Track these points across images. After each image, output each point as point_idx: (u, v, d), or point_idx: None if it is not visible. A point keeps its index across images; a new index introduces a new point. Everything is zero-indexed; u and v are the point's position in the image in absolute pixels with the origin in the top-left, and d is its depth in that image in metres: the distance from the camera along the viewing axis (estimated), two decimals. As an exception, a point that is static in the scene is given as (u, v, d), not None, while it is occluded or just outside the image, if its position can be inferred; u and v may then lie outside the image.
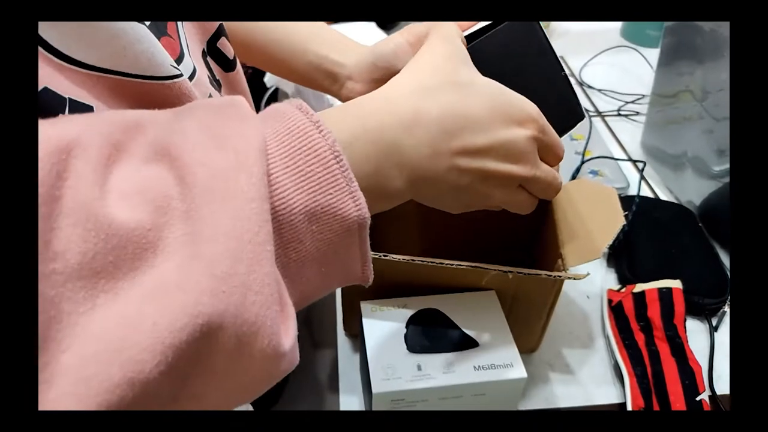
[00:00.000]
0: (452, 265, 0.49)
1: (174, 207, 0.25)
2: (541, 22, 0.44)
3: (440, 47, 0.37)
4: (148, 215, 0.24)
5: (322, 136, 0.29)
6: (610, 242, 0.50)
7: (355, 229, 0.31)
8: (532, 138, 0.37)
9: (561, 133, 0.42)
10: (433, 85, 0.35)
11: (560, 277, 0.50)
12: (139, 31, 0.31)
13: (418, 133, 0.34)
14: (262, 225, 0.26)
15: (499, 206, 0.40)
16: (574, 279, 0.49)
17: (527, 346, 0.60)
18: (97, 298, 0.23)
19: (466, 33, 0.44)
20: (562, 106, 0.43)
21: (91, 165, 0.24)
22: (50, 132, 0.24)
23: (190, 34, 0.41)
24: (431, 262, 0.49)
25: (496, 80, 0.38)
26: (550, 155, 0.40)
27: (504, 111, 0.36)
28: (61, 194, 0.23)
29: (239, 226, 0.25)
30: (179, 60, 0.37)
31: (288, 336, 0.27)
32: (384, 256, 0.49)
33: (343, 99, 0.51)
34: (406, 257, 0.49)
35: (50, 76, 0.28)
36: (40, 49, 0.28)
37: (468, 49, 0.39)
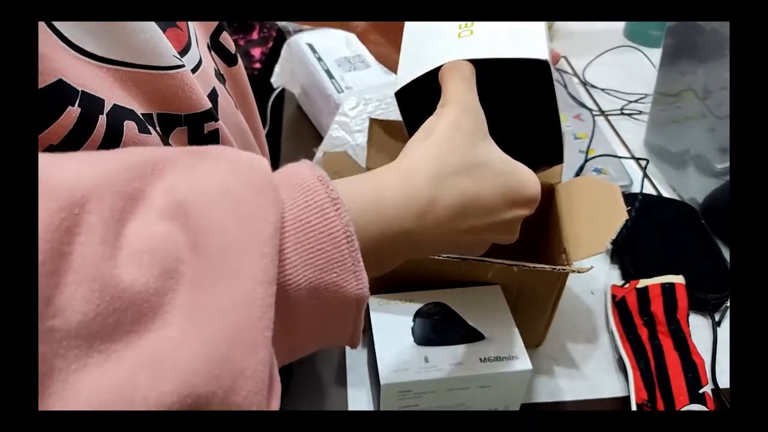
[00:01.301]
0: (458, 258, 0.50)
1: (181, 272, 0.25)
2: (544, 26, 0.45)
3: (462, 119, 0.36)
4: (153, 278, 0.24)
5: (338, 215, 0.29)
6: (613, 237, 0.51)
7: (353, 305, 0.31)
8: (524, 216, 0.39)
9: (535, 170, 0.42)
10: (450, 171, 0.35)
11: (564, 270, 0.51)
12: (142, 21, 0.32)
13: (429, 221, 0.34)
14: (265, 310, 0.26)
15: None
16: (578, 272, 0.50)
17: (532, 341, 0.61)
18: (90, 358, 0.23)
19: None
20: (549, 149, 0.44)
21: (104, 221, 0.24)
22: (63, 181, 0.23)
23: (196, 26, 0.42)
24: (437, 256, 0.50)
25: (494, 107, 0.38)
26: (528, 213, 0.41)
27: (513, 197, 0.37)
28: (70, 250, 0.22)
29: (242, 311, 0.25)
30: (185, 50, 0.37)
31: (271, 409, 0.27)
32: None
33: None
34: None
35: (66, 69, 0.28)
36: (56, 39, 0.29)
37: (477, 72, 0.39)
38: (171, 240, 0.25)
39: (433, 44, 0.43)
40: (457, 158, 0.35)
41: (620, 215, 0.53)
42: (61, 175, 0.23)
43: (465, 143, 0.36)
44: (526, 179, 0.38)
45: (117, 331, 0.23)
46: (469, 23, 0.43)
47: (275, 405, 0.27)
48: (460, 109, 0.37)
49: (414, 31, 0.47)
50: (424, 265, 0.52)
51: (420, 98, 0.41)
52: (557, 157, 0.45)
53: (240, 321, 0.25)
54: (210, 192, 0.27)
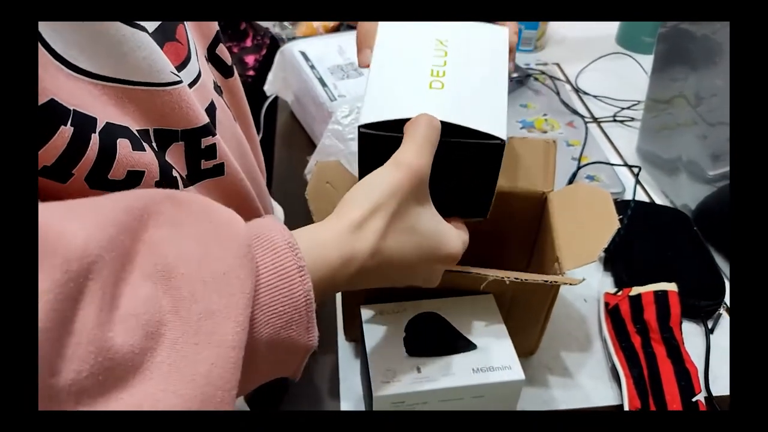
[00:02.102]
0: (452, 271, 0.50)
1: (162, 334, 0.27)
2: (524, 35, 0.46)
3: (405, 185, 0.39)
4: (138, 340, 0.26)
5: (301, 282, 0.33)
6: (606, 245, 0.51)
7: (302, 353, 0.35)
8: (446, 268, 0.45)
9: (463, 217, 0.48)
10: (384, 233, 0.38)
11: (556, 282, 0.51)
12: (139, 38, 0.31)
13: (362, 274, 0.38)
14: (234, 372, 0.29)
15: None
16: (570, 284, 0.50)
17: (526, 349, 0.61)
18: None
19: None
20: (477, 203, 0.48)
21: (102, 287, 0.25)
22: (71, 249, 0.24)
23: (195, 38, 0.42)
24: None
25: (441, 174, 0.42)
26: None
27: (431, 256, 0.42)
28: (74, 317, 0.24)
29: (216, 372, 0.28)
30: (184, 64, 0.38)
31: None
32: None
33: None
34: None
35: (58, 87, 0.28)
36: (50, 58, 0.28)
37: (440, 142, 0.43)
38: (155, 303, 0.27)
39: (404, 87, 0.46)
40: (392, 223, 0.39)
41: (612, 224, 0.53)
42: (67, 238, 0.25)
43: (400, 208, 0.39)
44: (446, 241, 0.42)
45: (104, 387, 0.25)
46: (441, 71, 0.46)
47: None
48: (407, 174, 0.39)
49: (385, 56, 0.48)
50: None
51: (379, 135, 0.43)
52: (482, 214, 0.49)
53: (213, 383, 0.28)
54: (192, 258, 0.29)
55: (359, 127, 0.43)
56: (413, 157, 0.39)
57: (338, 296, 0.67)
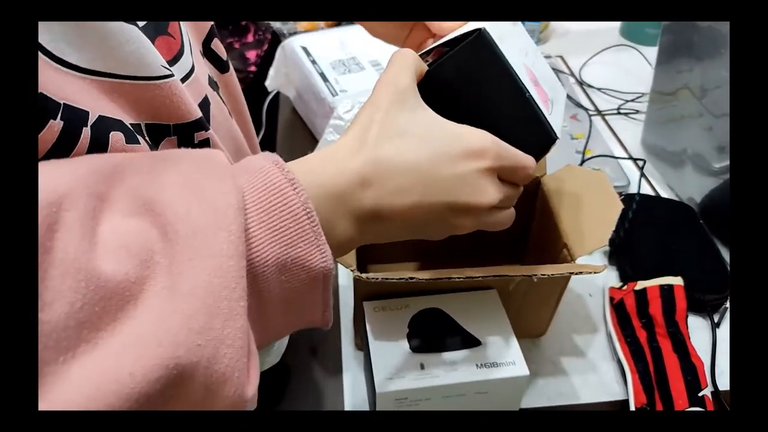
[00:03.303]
0: (476, 277, 0.50)
1: (157, 261, 0.26)
2: (526, 27, 0.44)
3: (383, 94, 0.37)
4: (132, 268, 0.25)
5: (296, 194, 0.31)
6: (613, 228, 0.51)
7: (320, 279, 0.33)
8: (485, 169, 0.37)
9: (537, 157, 0.40)
10: (372, 142, 0.36)
11: (581, 273, 0.50)
12: (128, 32, 0.31)
13: (369, 194, 0.35)
14: (239, 281, 0.28)
15: (478, 228, 0.40)
16: (594, 273, 0.50)
17: (536, 331, 0.61)
18: (78, 348, 0.24)
19: (435, 44, 0.43)
20: (531, 128, 0.41)
21: (80, 218, 0.25)
22: (41, 184, 0.25)
23: (189, 33, 0.41)
24: (448, 278, 0.49)
25: (458, 108, 0.38)
26: (516, 177, 0.40)
27: (444, 152, 0.36)
28: (52, 246, 0.24)
29: (217, 282, 0.27)
30: (177, 58, 0.37)
31: (251, 384, 0.29)
32: (386, 279, 0.48)
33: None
34: (415, 276, 0.49)
35: (47, 82, 0.28)
36: (39, 54, 0.28)
37: (427, 73, 0.40)
38: (143, 233, 0.27)
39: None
40: (376, 132, 0.36)
41: (615, 205, 0.53)
42: (38, 178, 0.25)
43: (386, 118, 0.36)
44: (460, 137, 0.37)
45: (103, 319, 0.24)
46: None
47: (254, 374, 0.29)
48: (379, 88, 0.37)
49: None
50: (427, 285, 0.52)
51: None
52: (549, 135, 0.41)
53: (216, 293, 0.27)
54: (172, 186, 0.29)
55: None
56: (385, 74, 0.38)
57: (340, 296, 0.66)
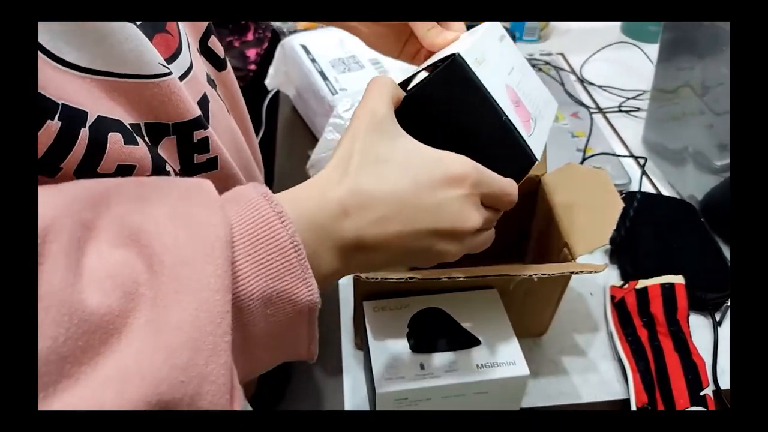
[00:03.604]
0: (477, 276, 0.50)
1: (142, 293, 0.26)
2: (526, 26, 0.43)
3: (361, 124, 0.37)
4: (116, 301, 0.25)
5: (284, 227, 0.31)
6: (614, 226, 0.51)
7: (306, 313, 0.32)
8: (466, 195, 0.37)
9: (517, 179, 0.41)
10: (353, 172, 0.35)
11: (581, 272, 0.50)
12: (127, 30, 0.31)
13: (351, 224, 0.35)
14: (224, 316, 0.27)
15: (463, 253, 0.40)
16: (595, 272, 0.49)
17: (537, 330, 0.61)
18: (59, 384, 0.23)
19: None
20: (509, 151, 0.41)
21: (65, 249, 0.25)
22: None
23: (187, 30, 0.41)
24: (448, 277, 0.49)
25: (437, 133, 0.38)
26: (499, 203, 0.40)
27: (425, 179, 0.36)
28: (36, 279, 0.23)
29: (202, 317, 0.26)
30: (175, 56, 0.37)
31: None
32: (385, 278, 0.48)
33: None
34: (415, 275, 0.49)
35: (46, 81, 0.28)
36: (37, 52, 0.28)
37: (405, 99, 0.40)
38: (128, 265, 0.26)
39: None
40: (358, 161, 0.36)
41: (616, 203, 0.53)
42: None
43: (365, 147, 0.36)
44: (441, 162, 0.37)
45: (86, 354, 0.24)
46: None
47: (238, 408, 0.29)
48: (357, 118, 0.37)
49: None
50: (429, 284, 0.52)
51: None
52: (527, 157, 0.42)
53: (201, 328, 0.26)
54: (159, 217, 0.28)
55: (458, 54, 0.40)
56: (360, 104, 0.38)
57: (340, 295, 0.66)
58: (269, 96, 0.97)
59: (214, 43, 0.45)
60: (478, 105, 0.40)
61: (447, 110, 0.40)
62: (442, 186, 0.36)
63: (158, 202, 0.29)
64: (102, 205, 0.28)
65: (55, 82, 0.29)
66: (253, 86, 1.12)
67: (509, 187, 0.40)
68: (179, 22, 0.38)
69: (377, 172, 0.36)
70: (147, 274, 0.26)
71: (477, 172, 0.37)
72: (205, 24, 0.44)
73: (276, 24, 1.12)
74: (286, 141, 0.90)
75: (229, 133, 0.43)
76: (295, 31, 1.04)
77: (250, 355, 0.32)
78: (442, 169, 0.36)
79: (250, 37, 1.22)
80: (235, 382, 0.29)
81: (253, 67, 1.20)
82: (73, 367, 0.24)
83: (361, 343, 0.60)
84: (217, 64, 0.45)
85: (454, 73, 0.39)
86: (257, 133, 1.02)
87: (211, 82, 0.43)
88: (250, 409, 0.48)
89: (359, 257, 0.36)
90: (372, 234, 0.35)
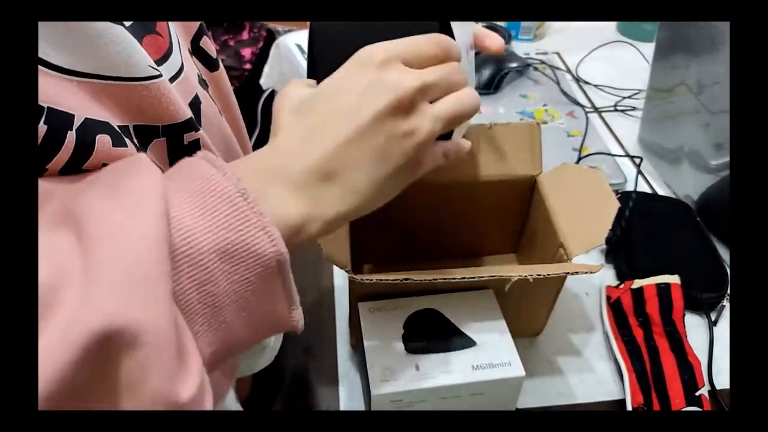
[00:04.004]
0: (472, 278, 0.49)
1: (73, 262, 0.25)
2: (534, 24, 0.43)
3: (282, 111, 0.37)
4: (48, 277, 0.24)
5: (225, 178, 0.29)
6: (610, 226, 0.51)
7: (274, 266, 0.30)
8: (383, 64, 0.34)
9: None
10: (281, 126, 0.35)
11: (577, 273, 0.50)
12: (114, 32, 0.31)
13: (300, 155, 0.33)
14: (159, 263, 0.26)
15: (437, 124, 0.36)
16: (591, 273, 0.49)
17: (533, 330, 0.61)
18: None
19: None
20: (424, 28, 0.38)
21: None
22: None
23: (178, 31, 0.41)
24: (444, 278, 0.49)
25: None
26: (428, 55, 0.36)
27: (343, 80, 0.34)
28: None
29: (133, 270, 0.25)
30: (165, 57, 0.37)
31: (186, 386, 0.26)
32: (381, 279, 0.48)
33: None
34: (411, 276, 0.48)
35: None
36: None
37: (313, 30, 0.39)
38: (63, 241, 0.25)
39: None
40: (280, 124, 0.36)
41: (611, 204, 0.53)
42: None
43: (284, 116, 0.36)
44: (347, 62, 0.35)
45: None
46: None
47: (191, 381, 0.26)
48: (279, 109, 0.37)
49: None
50: (423, 285, 0.51)
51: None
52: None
53: (131, 276, 0.25)
54: (95, 192, 0.27)
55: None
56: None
57: (335, 296, 0.66)
58: (264, 95, 0.97)
59: (206, 43, 0.44)
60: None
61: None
62: (359, 72, 0.34)
63: (96, 182, 0.29)
64: (45, 200, 0.27)
65: (40, 85, 0.28)
66: (248, 86, 1.11)
67: (425, 36, 0.36)
68: (170, 24, 0.38)
69: (300, 110, 0.35)
70: (78, 243, 0.25)
71: (387, 44, 0.35)
72: (196, 24, 0.43)
73: (271, 23, 1.12)
74: (281, 140, 0.90)
75: (221, 133, 0.43)
76: (290, 30, 1.03)
77: (218, 322, 0.29)
78: (353, 60, 0.35)
79: (245, 36, 1.21)
80: (185, 343, 0.27)
81: (248, 66, 1.20)
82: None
83: (357, 345, 0.60)
84: (210, 64, 0.45)
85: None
86: (253, 133, 1.02)
87: (203, 83, 0.42)
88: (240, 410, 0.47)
89: (327, 190, 0.33)
90: (319, 154, 0.33)
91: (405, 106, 0.34)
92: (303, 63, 0.87)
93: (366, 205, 0.35)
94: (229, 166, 0.31)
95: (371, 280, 0.48)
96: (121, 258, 0.25)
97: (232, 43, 1.20)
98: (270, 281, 0.30)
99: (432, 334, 0.51)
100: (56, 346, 0.23)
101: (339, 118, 0.33)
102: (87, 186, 0.29)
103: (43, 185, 0.28)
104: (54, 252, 0.25)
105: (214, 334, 0.29)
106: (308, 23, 0.42)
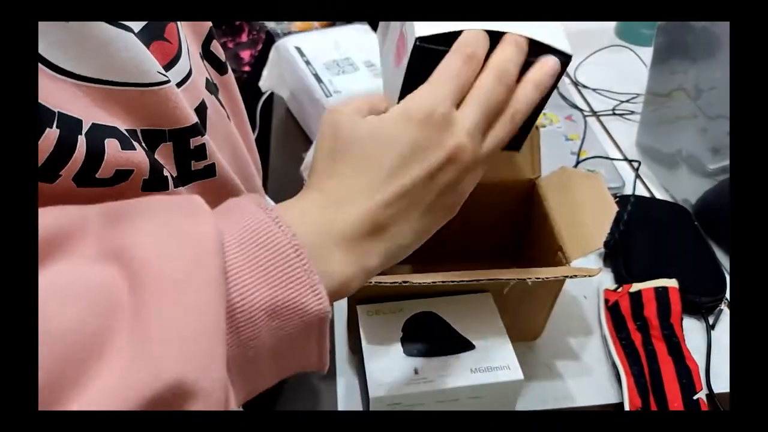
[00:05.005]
0: (471, 280, 0.49)
1: (123, 307, 0.24)
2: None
3: (322, 145, 0.36)
4: (92, 321, 0.23)
5: (281, 231, 0.29)
6: (608, 230, 0.51)
7: (316, 324, 0.30)
8: (429, 116, 0.33)
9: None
10: (323, 167, 0.34)
11: (575, 276, 0.50)
12: (126, 39, 0.31)
13: (351, 208, 0.32)
14: (217, 325, 0.25)
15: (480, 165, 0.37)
16: (589, 276, 0.49)
17: (531, 334, 0.61)
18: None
19: None
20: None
21: None
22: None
23: (188, 35, 0.41)
24: (442, 281, 0.49)
25: None
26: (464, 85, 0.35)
27: (388, 133, 0.34)
28: None
29: (192, 326, 0.25)
30: (172, 63, 0.37)
31: None
32: (380, 282, 0.48)
33: None
34: (409, 279, 0.48)
35: (42, 89, 0.28)
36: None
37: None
38: (106, 282, 0.25)
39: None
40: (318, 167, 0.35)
41: (610, 207, 0.53)
42: None
43: (323, 152, 0.35)
44: (394, 112, 0.34)
45: (68, 379, 0.23)
46: None
47: None
48: (319, 140, 0.36)
49: None
50: (423, 288, 0.51)
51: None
52: (516, 147, 0.43)
53: (190, 338, 0.24)
54: (146, 228, 0.27)
55: (416, 39, 0.37)
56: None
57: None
58: (263, 97, 0.97)
59: (216, 47, 0.45)
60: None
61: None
62: (406, 126, 0.33)
63: (146, 214, 0.28)
64: (83, 225, 0.27)
65: (51, 90, 0.28)
66: (247, 88, 1.11)
67: (451, 57, 0.36)
68: (180, 30, 0.38)
69: (351, 150, 0.34)
70: (128, 286, 0.25)
71: (435, 94, 0.35)
72: (207, 28, 0.44)
73: (270, 25, 1.12)
74: (280, 143, 0.90)
75: (228, 139, 0.43)
76: (289, 33, 1.03)
77: (254, 374, 0.30)
78: (398, 111, 0.34)
79: (244, 38, 1.21)
80: (230, 399, 0.27)
81: (247, 68, 1.20)
82: (52, 395, 0.22)
83: (355, 347, 0.60)
84: (219, 67, 0.45)
85: (422, 55, 0.37)
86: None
87: (213, 87, 0.43)
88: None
89: (374, 245, 0.33)
90: (369, 206, 0.32)
91: (451, 158, 0.34)
92: (302, 66, 0.87)
93: (407, 253, 0.35)
94: (280, 212, 0.30)
95: (370, 282, 0.48)
96: (180, 313, 0.25)
97: (231, 45, 1.21)
98: (308, 336, 0.31)
99: (430, 338, 0.51)
100: (108, 399, 0.23)
101: (390, 171, 0.33)
102: (137, 219, 0.28)
103: (73, 211, 0.28)
104: (99, 288, 0.24)
105: (246, 381, 0.29)
106: (313, 25, 0.42)
